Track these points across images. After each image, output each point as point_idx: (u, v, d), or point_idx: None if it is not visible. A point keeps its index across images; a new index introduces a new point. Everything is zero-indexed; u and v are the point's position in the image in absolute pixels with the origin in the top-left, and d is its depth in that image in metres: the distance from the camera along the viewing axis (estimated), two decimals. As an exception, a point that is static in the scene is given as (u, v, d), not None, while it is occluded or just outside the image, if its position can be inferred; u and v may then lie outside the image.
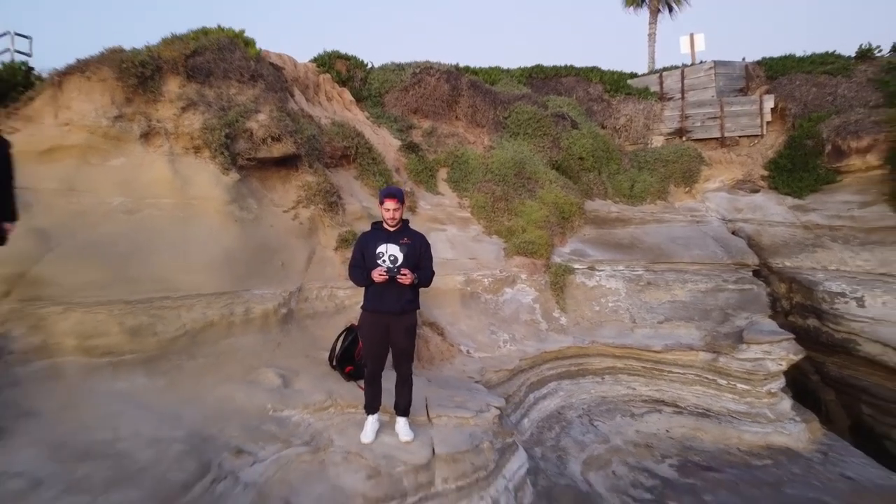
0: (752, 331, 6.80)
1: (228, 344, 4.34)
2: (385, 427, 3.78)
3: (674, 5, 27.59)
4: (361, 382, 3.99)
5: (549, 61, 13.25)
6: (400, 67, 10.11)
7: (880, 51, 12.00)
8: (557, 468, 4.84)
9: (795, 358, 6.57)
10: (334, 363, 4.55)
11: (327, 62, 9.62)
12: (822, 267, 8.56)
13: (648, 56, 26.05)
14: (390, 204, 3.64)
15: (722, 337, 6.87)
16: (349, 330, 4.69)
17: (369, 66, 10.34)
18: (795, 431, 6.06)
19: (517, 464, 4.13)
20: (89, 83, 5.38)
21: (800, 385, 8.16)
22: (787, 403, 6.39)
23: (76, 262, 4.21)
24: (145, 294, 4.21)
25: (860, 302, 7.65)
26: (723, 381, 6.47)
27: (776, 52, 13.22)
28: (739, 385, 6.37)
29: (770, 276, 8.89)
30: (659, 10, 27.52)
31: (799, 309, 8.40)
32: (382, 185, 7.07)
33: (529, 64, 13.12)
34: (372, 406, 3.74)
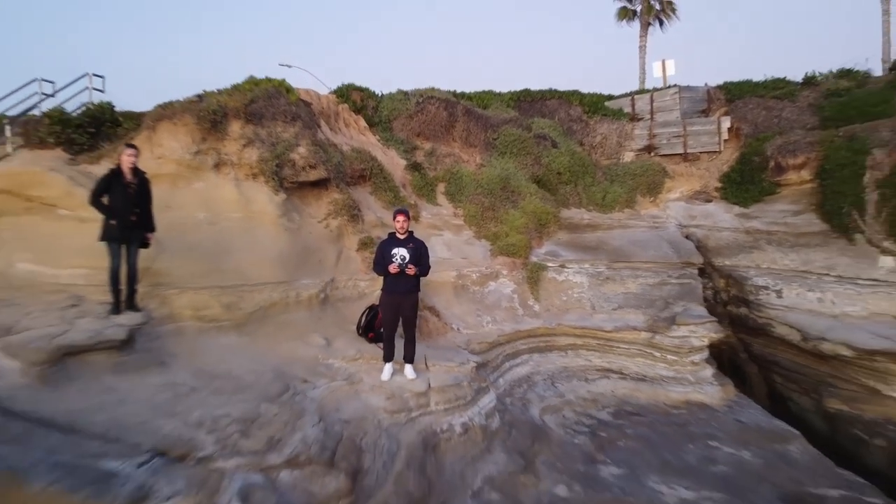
0: (684, 315, 8.60)
1: (286, 317, 6.18)
2: (396, 372, 5.61)
3: (664, 19, 29.45)
4: (380, 344, 5.81)
5: (544, 77, 15.20)
6: (405, 96, 11.95)
7: (821, 76, 13.76)
8: (521, 411, 6.64)
9: (716, 336, 8.36)
10: (360, 332, 6.38)
11: (345, 93, 11.47)
12: (755, 265, 10.34)
13: (639, 67, 27.95)
14: (400, 218, 5.48)
15: (661, 320, 8.66)
16: (370, 308, 6.52)
17: (380, 95, 12.18)
18: (711, 391, 7.84)
19: (488, 400, 5.94)
20: (175, 127, 7.23)
21: (732, 362, 9.95)
22: (708, 371, 8.18)
23: (181, 259, 6.05)
24: (230, 282, 6.05)
25: (779, 294, 9.44)
26: (658, 354, 8.26)
27: (745, 75, 14.99)
28: (669, 356, 8.16)
29: (713, 273, 10.67)
30: (650, 24, 29.37)
31: (734, 300, 10.19)
32: (392, 200, 8.90)
33: (521, 86, 14.96)
34: (388, 357, 5.57)
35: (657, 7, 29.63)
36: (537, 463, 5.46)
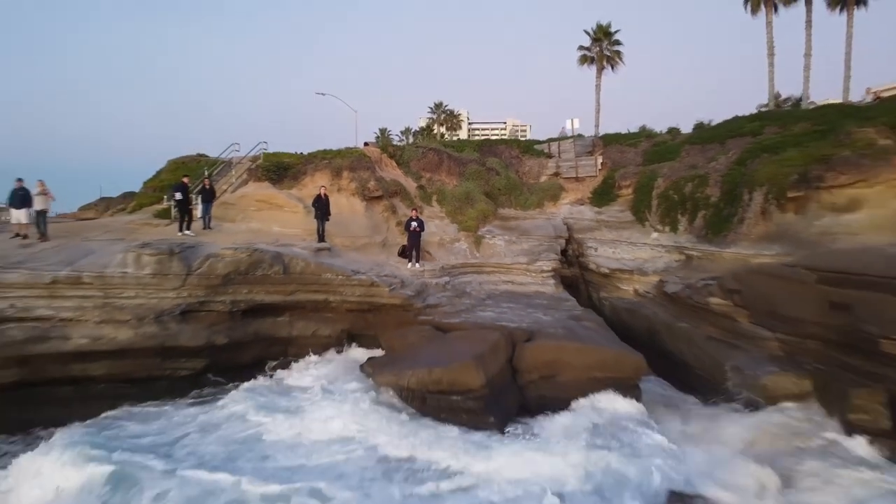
0: (544, 258, 18.63)
1: (372, 248, 16.36)
2: (412, 265, 15.77)
3: (612, 66, 39.79)
4: (405, 258, 15.96)
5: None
6: (416, 147, 22.07)
7: (655, 132, 23.72)
8: (459, 286, 16.69)
9: (554, 265, 18.37)
10: (399, 254, 16.57)
11: (385, 146, 21.62)
12: (592, 238, 20.34)
13: (595, 101, 38.56)
14: (413, 213, 15.73)
15: (534, 260, 18.68)
16: (403, 248, 16.69)
17: (403, 144, 22.35)
18: (549, 289, 17.83)
19: (446, 279, 16.07)
20: (322, 172, 17.46)
21: (575, 283, 19.96)
22: (551, 281, 18.14)
23: (334, 227, 16.23)
24: (350, 235, 16.26)
25: (595, 250, 19.45)
26: (530, 274, 18.27)
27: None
28: (533, 275, 18.18)
29: (572, 241, 20.69)
30: (603, 67, 39.78)
31: (579, 254, 20.21)
32: (410, 204, 19.08)
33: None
34: (409, 259, 15.72)
35: (607, 54, 40.16)
36: (462, 298, 15.54)
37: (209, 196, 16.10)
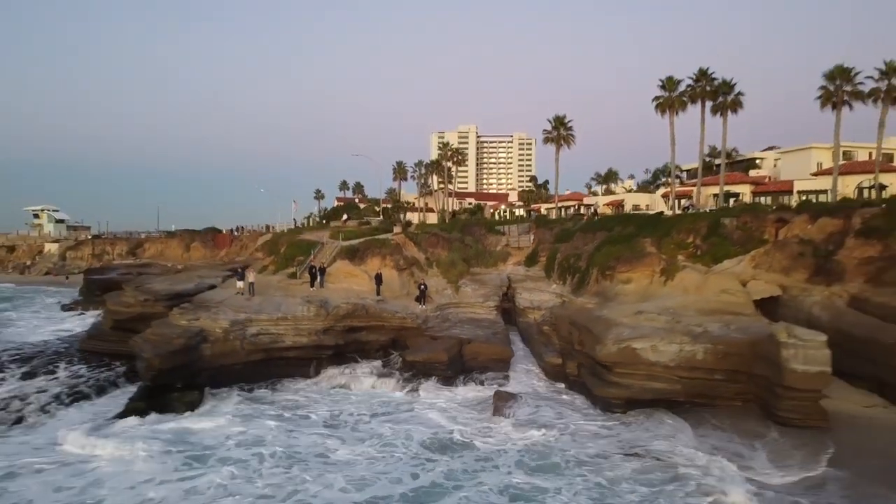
0: (491, 298, 35.23)
1: (402, 298, 33.16)
2: (421, 306, 32.57)
3: (568, 144, 57.04)
4: (418, 301, 32.72)
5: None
6: (425, 233, 38.83)
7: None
8: (445, 316, 33.29)
9: (496, 303, 34.93)
10: (415, 299, 33.38)
11: (406, 233, 38.43)
12: (522, 286, 36.90)
13: (555, 172, 56.03)
14: (422, 279, 32.63)
15: (487, 300, 35.24)
16: (417, 297, 33.48)
17: (413, 225, 39.18)
18: (493, 317, 34.35)
19: (438, 312, 32.82)
20: (375, 255, 34.40)
21: (509, 313, 36.59)
22: (494, 312, 34.70)
23: (383, 287, 33.08)
24: (391, 291, 33.12)
25: (521, 294, 36.01)
26: (482, 307, 34.81)
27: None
28: (484, 308, 34.73)
29: (510, 288, 37.27)
30: (561, 145, 57.13)
31: (513, 296, 36.76)
32: (421, 270, 35.94)
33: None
34: (421, 303, 32.47)
35: (564, 134, 57.62)
36: (445, 323, 32.19)
37: (322, 271, 33.03)
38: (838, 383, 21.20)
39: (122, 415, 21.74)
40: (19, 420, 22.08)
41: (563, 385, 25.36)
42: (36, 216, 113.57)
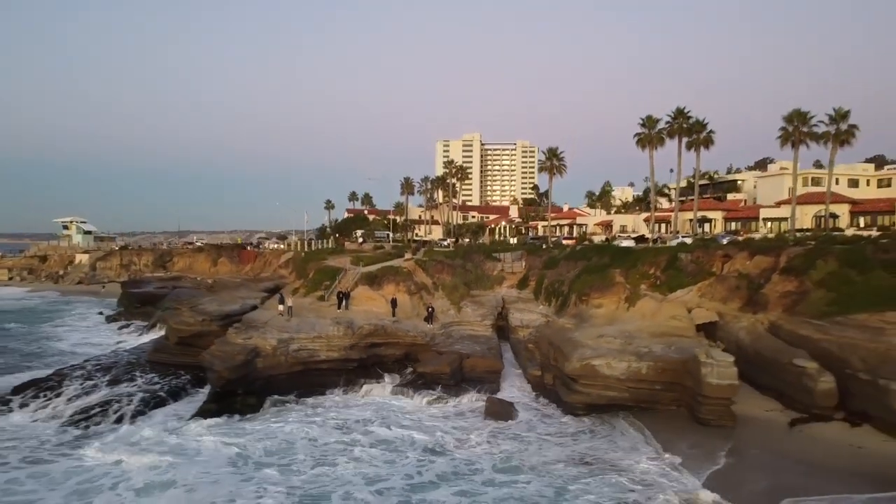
0: (488, 317, 41.73)
1: (414, 319, 39.75)
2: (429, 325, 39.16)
3: (560, 173, 63.72)
4: (427, 321, 39.30)
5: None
6: (432, 260, 45.42)
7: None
8: (449, 332, 39.80)
9: (492, 321, 41.44)
10: (424, 320, 39.99)
11: (417, 261, 45.04)
12: (514, 307, 43.41)
13: (549, 199, 62.97)
14: (430, 302, 39.22)
15: (484, 319, 41.74)
16: (426, 317, 40.07)
17: (422, 247, 45.79)
18: (488, 333, 40.83)
19: (444, 330, 39.36)
20: (390, 281, 41.04)
21: (503, 330, 43.12)
22: (490, 330, 41.11)
23: (397, 310, 39.70)
24: (404, 313, 39.72)
25: (513, 314, 42.49)
26: (480, 325, 41.28)
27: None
28: (482, 325, 41.22)
29: (504, 308, 43.79)
30: (553, 174, 63.82)
31: (506, 315, 43.26)
32: (429, 294, 42.54)
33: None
34: (429, 323, 39.03)
35: (556, 164, 64.33)
36: (448, 339, 38.69)
37: (347, 295, 39.65)
38: (753, 393, 27.78)
39: (201, 414, 28.38)
40: (119, 419, 28.76)
41: (541, 393, 31.82)
42: (65, 227, 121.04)
